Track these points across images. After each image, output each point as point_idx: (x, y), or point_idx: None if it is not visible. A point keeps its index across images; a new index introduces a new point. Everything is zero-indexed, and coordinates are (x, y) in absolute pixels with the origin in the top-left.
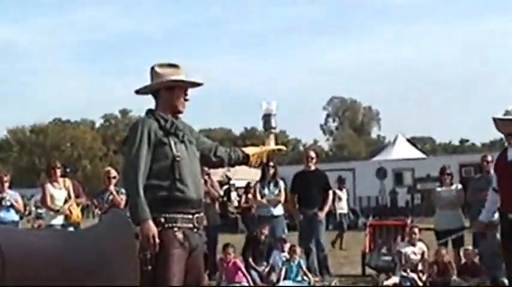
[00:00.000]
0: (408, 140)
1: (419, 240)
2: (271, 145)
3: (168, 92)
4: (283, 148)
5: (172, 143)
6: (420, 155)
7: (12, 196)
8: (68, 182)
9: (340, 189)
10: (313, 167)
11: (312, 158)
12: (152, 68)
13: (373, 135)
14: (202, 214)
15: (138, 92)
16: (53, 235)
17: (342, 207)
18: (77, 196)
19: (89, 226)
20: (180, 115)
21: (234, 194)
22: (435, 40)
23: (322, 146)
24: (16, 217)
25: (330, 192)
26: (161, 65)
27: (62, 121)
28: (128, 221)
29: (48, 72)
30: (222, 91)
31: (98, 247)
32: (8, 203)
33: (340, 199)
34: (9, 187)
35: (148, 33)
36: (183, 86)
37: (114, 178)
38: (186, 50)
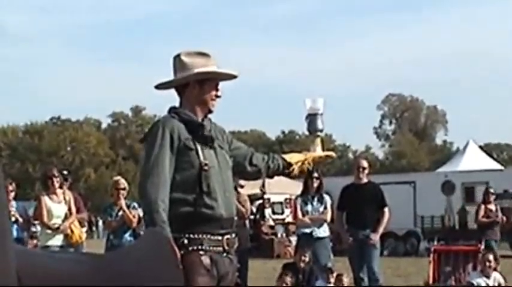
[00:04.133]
0: (481, 148)
1: (495, 270)
2: (318, 151)
3: (198, 86)
4: (333, 154)
5: (199, 148)
6: (496, 165)
7: (17, 209)
8: (69, 194)
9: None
10: (365, 180)
11: (364, 169)
12: (177, 58)
13: (438, 141)
14: (233, 235)
15: (159, 86)
16: (75, 258)
17: None
18: (77, 211)
19: (121, 249)
20: (210, 115)
21: (268, 211)
22: None
23: (376, 154)
24: (20, 235)
25: (386, 210)
26: (189, 54)
27: (62, 120)
28: (173, 247)
29: (44, 61)
30: (254, 86)
31: (135, 278)
32: (13, 219)
33: None
34: (14, 198)
35: (165, 15)
36: (215, 80)
37: (124, 189)
38: (209, 35)
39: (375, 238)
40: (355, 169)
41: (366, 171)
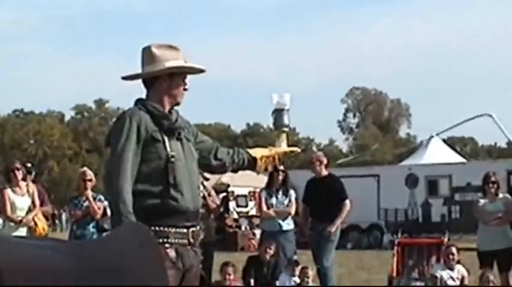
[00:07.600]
0: (444, 141)
1: (458, 262)
2: (283, 146)
3: (169, 79)
4: (297, 149)
5: (166, 140)
6: (459, 159)
7: None
8: (33, 187)
9: None
10: (324, 173)
11: (321, 162)
12: (147, 50)
13: (402, 134)
14: (198, 228)
15: (127, 78)
16: (53, 246)
17: None
18: (41, 204)
19: (99, 238)
20: (177, 107)
21: (232, 204)
22: (483, 16)
23: (340, 147)
24: None
25: (347, 202)
26: (159, 46)
27: (24, 113)
28: (153, 237)
29: (5, 53)
30: (218, 79)
31: (118, 266)
32: None
33: None
34: None
35: (129, 6)
36: (183, 73)
37: (91, 181)
38: (173, 26)
39: (331, 229)
40: (312, 162)
41: (323, 165)
